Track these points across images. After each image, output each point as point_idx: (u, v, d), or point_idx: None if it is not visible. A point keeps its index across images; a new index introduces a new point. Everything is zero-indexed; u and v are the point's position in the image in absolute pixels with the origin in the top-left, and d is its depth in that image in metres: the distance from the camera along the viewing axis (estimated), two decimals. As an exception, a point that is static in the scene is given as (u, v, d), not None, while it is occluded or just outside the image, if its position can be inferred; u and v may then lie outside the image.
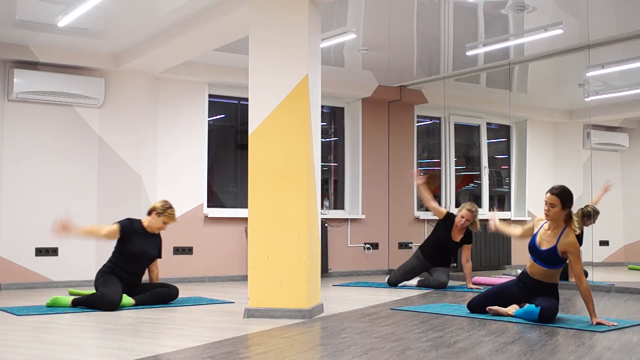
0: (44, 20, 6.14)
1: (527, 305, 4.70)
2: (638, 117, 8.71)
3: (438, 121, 9.39)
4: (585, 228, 6.76)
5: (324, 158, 8.51)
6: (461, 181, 9.51)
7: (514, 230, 5.23)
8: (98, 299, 5.29)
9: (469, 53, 7.39)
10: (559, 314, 4.75)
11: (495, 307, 4.89)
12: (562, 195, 4.63)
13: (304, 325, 4.55)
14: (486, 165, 9.27)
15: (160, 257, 5.91)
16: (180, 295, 5.94)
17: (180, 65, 7.39)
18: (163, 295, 5.66)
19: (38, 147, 7.10)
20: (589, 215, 6.88)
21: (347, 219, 8.84)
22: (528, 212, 8.55)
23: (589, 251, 7.01)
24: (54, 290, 6.63)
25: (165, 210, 5.71)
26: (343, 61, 7.89)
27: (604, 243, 8.14)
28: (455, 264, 7.71)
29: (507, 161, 9.17)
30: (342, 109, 9.14)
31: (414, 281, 7.19)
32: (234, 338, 4.04)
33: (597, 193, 7.27)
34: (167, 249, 7.11)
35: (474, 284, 7.06)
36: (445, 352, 3.59)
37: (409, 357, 3.46)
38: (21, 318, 4.85)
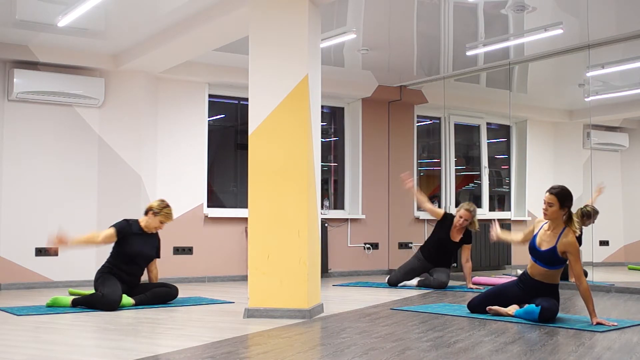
0: (44, 20, 6.14)
1: (527, 305, 4.70)
2: (638, 117, 8.70)
3: (438, 121, 9.39)
4: (585, 228, 6.76)
5: (324, 158, 8.51)
6: (461, 181, 9.50)
7: (516, 237, 5.21)
8: (98, 299, 5.29)
9: (469, 53, 7.39)
10: (559, 314, 4.74)
11: (496, 307, 4.89)
12: (560, 195, 4.63)
13: (304, 325, 4.55)
14: (486, 165, 9.26)
15: (158, 257, 5.90)
16: (180, 295, 5.94)
17: (180, 65, 7.40)
18: (163, 295, 5.66)
19: (38, 147, 7.09)
20: (589, 215, 6.88)
21: (347, 219, 8.84)
22: (528, 212, 8.56)
23: (589, 251, 7.01)
24: (54, 290, 6.63)
25: (162, 210, 5.70)
26: (343, 61, 7.89)
27: (604, 243, 8.13)
28: (455, 264, 7.71)
29: (507, 161, 9.16)
30: (342, 109, 9.13)
31: (414, 281, 7.19)
32: (234, 338, 4.04)
33: (592, 196, 7.28)
34: (167, 249, 7.12)
35: (474, 284, 7.06)
36: (445, 352, 3.59)
37: (409, 357, 3.46)
38: (21, 318, 4.85)
